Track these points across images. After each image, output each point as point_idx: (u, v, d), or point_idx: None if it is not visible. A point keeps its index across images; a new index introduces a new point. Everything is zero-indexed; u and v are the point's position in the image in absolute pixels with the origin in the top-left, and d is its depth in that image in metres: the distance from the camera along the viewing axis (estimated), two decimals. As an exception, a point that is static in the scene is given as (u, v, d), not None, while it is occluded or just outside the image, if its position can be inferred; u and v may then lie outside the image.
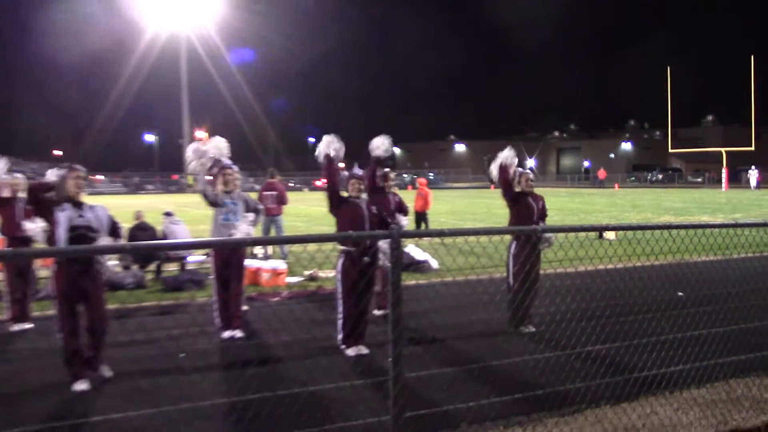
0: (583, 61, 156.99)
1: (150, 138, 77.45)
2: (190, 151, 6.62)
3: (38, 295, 7.47)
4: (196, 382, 4.96)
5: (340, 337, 5.75)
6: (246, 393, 4.57)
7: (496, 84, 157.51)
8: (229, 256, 6.39)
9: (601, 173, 58.89)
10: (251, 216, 6.59)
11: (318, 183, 52.51)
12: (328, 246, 7.85)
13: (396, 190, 7.57)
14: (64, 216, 4.90)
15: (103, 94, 69.76)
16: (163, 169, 63.75)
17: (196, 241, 4.22)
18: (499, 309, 6.64)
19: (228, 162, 6.72)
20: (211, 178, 6.68)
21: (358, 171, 5.99)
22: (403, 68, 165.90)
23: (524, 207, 6.56)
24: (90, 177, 46.04)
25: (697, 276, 8.71)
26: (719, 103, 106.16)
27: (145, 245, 7.41)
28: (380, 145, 6.81)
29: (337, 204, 5.82)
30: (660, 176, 63.50)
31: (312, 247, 9.97)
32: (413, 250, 10.39)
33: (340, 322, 5.76)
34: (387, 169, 7.10)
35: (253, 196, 7.96)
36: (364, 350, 5.69)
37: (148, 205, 20.36)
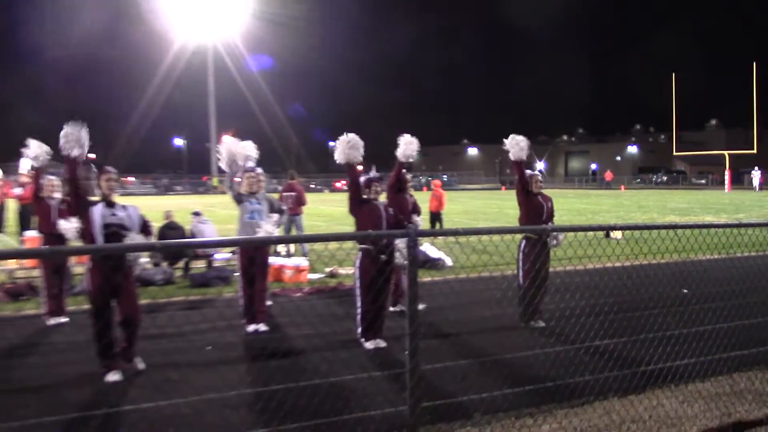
0: (592, 67, 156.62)
1: (179, 142, 78.12)
2: (223, 151, 6.81)
3: (73, 290, 7.71)
4: (222, 373, 5.09)
5: (359, 330, 5.89)
6: (270, 384, 4.69)
7: (507, 91, 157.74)
8: (254, 254, 6.56)
9: (608, 175, 58.68)
10: (275, 216, 6.75)
11: (338, 185, 52.73)
12: (348, 244, 8.00)
13: (411, 191, 7.75)
14: (98, 215, 5.04)
15: (134, 101, 71.10)
16: (192, 171, 63.88)
17: (222, 239, 4.44)
18: (511, 305, 6.77)
19: (252, 165, 6.93)
20: (239, 180, 6.88)
21: (375, 174, 6.12)
22: (420, 77, 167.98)
23: (536, 206, 6.68)
24: (121, 179, 46.62)
25: (701, 274, 8.74)
26: (722, 107, 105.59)
27: (175, 243, 7.80)
28: (410, 143, 6.89)
29: (357, 205, 5.98)
30: (665, 178, 63.03)
31: (333, 245, 10.05)
32: (428, 248, 10.56)
33: (358, 317, 5.88)
34: (403, 171, 7.21)
35: (275, 197, 8.06)
36: (381, 343, 5.82)
37: (177, 206, 20.57)
